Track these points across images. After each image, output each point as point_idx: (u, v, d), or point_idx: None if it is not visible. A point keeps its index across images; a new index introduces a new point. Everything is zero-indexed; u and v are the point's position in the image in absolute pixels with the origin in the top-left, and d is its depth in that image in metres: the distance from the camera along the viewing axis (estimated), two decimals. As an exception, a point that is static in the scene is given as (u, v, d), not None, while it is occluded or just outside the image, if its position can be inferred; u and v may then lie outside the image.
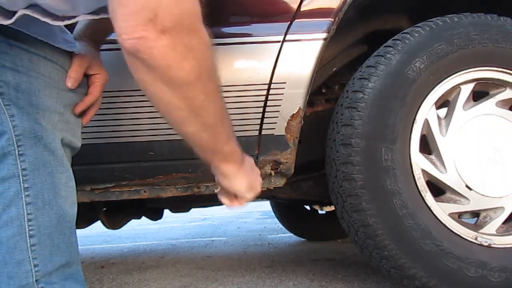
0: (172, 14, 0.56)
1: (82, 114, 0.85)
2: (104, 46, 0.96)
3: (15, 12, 0.69)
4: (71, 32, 0.87)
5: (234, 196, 0.89)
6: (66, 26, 0.77)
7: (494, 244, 1.11)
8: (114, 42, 1.03)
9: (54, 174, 0.76)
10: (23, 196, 0.73)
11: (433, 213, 1.11)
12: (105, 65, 0.91)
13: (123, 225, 1.84)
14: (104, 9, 0.68)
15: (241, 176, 0.84)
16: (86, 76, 0.85)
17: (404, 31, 1.20)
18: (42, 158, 0.74)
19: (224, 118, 0.74)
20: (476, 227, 1.16)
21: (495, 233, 1.15)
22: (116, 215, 1.76)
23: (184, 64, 0.60)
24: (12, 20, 0.69)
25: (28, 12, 0.69)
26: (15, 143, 0.73)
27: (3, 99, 0.73)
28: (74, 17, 0.72)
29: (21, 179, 0.73)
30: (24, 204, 0.72)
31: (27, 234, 0.72)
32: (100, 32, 0.94)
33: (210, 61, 0.64)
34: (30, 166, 0.73)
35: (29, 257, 0.72)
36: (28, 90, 0.74)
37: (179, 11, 0.57)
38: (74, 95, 0.81)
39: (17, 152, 0.73)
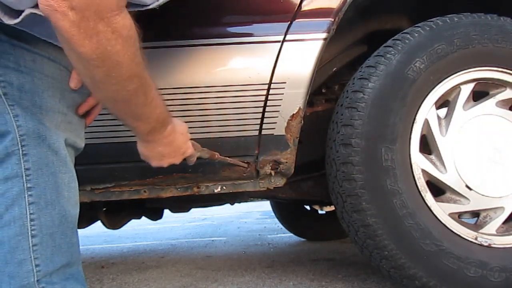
0: None
1: (85, 115, 0.85)
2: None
3: (21, 12, 0.69)
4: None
5: None
6: None
7: (494, 244, 1.12)
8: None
9: (57, 174, 0.76)
10: (26, 196, 0.73)
11: (433, 213, 1.11)
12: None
13: (123, 225, 1.84)
14: None
15: (140, 145, 0.89)
16: None
17: (404, 31, 1.20)
18: (46, 158, 0.74)
19: (131, 101, 0.75)
20: (476, 227, 1.16)
21: (495, 233, 1.15)
22: (116, 215, 1.76)
23: (85, 43, 0.62)
24: (19, 19, 0.69)
25: (35, 11, 0.69)
26: (19, 143, 0.73)
27: (7, 99, 0.73)
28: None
29: (24, 179, 0.73)
30: (27, 203, 0.73)
31: (29, 234, 0.72)
32: None
33: (117, 50, 0.65)
34: (33, 166, 0.73)
35: (30, 257, 0.72)
36: (32, 91, 0.74)
37: None
38: (77, 95, 0.81)
39: (21, 152, 0.73)
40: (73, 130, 0.80)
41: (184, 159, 1.00)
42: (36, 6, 0.69)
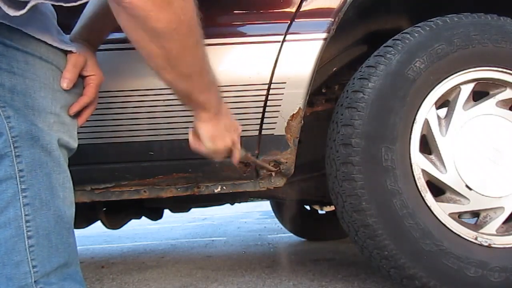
0: None
1: (77, 115, 0.85)
2: (102, 46, 0.96)
3: (25, 3, 0.69)
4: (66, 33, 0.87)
5: (198, 138, 0.92)
6: (61, 28, 0.77)
7: (494, 244, 1.11)
8: (112, 42, 1.04)
9: (51, 175, 0.76)
10: (21, 197, 0.73)
11: (433, 213, 1.11)
12: (104, 65, 0.91)
13: (123, 225, 1.84)
14: None
15: (209, 125, 0.88)
16: (82, 77, 0.85)
17: (404, 31, 1.20)
18: (39, 159, 0.74)
19: (203, 70, 0.77)
20: (476, 227, 1.16)
21: (495, 233, 1.15)
22: (116, 215, 1.76)
23: (162, 16, 0.63)
24: (25, 10, 0.69)
25: (41, 0, 0.69)
26: (11, 145, 0.73)
27: None
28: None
29: (18, 181, 0.73)
30: (21, 205, 0.72)
31: (25, 235, 0.72)
32: (96, 33, 0.94)
33: (189, 16, 0.67)
34: (27, 168, 0.73)
35: (27, 258, 0.72)
36: (24, 92, 0.74)
37: None
38: (70, 96, 0.81)
39: (13, 154, 0.73)
40: (66, 131, 0.80)
41: (229, 156, 1.00)
42: None
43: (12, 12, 0.68)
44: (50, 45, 0.77)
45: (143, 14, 0.61)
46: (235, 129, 0.96)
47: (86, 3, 0.75)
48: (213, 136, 0.90)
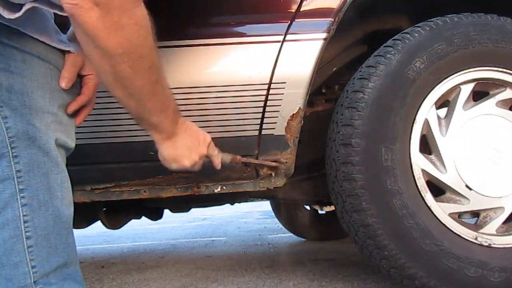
0: None
1: (75, 115, 0.84)
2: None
3: (21, 5, 0.69)
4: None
5: None
6: (59, 27, 0.77)
7: (494, 244, 1.11)
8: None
9: (49, 175, 0.75)
10: (19, 197, 0.72)
11: (433, 213, 1.11)
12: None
13: (123, 225, 1.84)
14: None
15: (167, 147, 0.89)
16: (80, 77, 0.85)
17: (404, 31, 1.20)
18: (37, 159, 0.74)
19: (155, 93, 0.77)
20: (476, 227, 1.16)
21: (495, 233, 1.15)
22: (116, 215, 1.76)
23: (111, 37, 0.63)
24: (21, 13, 0.69)
25: (36, 4, 0.69)
26: (8, 145, 0.72)
27: None
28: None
29: (16, 181, 0.72)
30: (19, 205, 0.72)
31: (24, 235, 0.72)
32: None
33: (141, 41, 0.67)
34: (24, 168, 0.73)
35: (26, 258, 0.72)
36: (21, 91, 0.73)
37: None
38: (67, 95, 0.81)
39: (11, 154, 0.72)
40: (63, 130, 0.79)
41: (209, 162, 1.00)
42: (37, 0, 0.70)
43: (7, 14, 0.68)
44: (48, 44, 0.77)
45: (93, 32, 0.62)
46: (201, 141, 0.96)
47: None
48: (175, 158, 0.91)
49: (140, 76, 0.71)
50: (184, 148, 0.91)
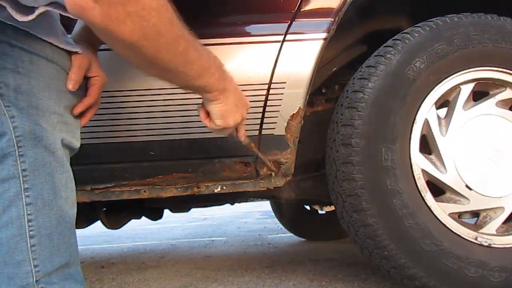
0: None
1: (80, 115, 0.85)
2: (101, 47, 0.96)
3: (33, 8, 0.69)
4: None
5: (207, 115, 0.92)
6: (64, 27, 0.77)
7: (494, 244, 1.11)
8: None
9: (54, 175, 0.76)
10: (23, 196, 0.73)
11: (433, 213, 1.11)
12: (103, 66, 0.91)
13: (123, 225, 1.83)
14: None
15: (218, 103, 0.88)
16: (86, 78, 0.85)
17: (404, 31, 1.20)
18: (42, 159, 0.74)
19: (187, 61, 0.76)
20: (476, 227, 1.16)
21: (495, 233, 1.15)
22: (116, 215, 1.76)
23: (122, 28, 0.63)
24: (34, 16, 0.69)
25: (50, 8, 0.70)
26: (15, 144, 0.73)
27: (3, 100, 0.73)
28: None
29: (21, 180, 0.73)
30: (24, 204, 0.73)
31: (27, 234, 0.73)
32: (95, 35, 0.94)
33: (154, 20, 0.65)
34: (30, 167, 0.73)
35: (29, 257, 0.72)
36: (28, 92, 0.74)
37: None
38: (74, 96, 0.81)
39: (17, 153, 0.73)
40: (69, 131, 0.80)
41: (234, 136, 1.00)
42: (50, 3, 0.70)
43: (20, 17, 0.69)
44: (55, 46, 0.78)
45: (103, 28, 0.62)
46: (244, 104, 0.95)
47: None
48: (223, 114, 0.90)
49: (166, 52, 0.71)
50: (233, 106, 0.90)
